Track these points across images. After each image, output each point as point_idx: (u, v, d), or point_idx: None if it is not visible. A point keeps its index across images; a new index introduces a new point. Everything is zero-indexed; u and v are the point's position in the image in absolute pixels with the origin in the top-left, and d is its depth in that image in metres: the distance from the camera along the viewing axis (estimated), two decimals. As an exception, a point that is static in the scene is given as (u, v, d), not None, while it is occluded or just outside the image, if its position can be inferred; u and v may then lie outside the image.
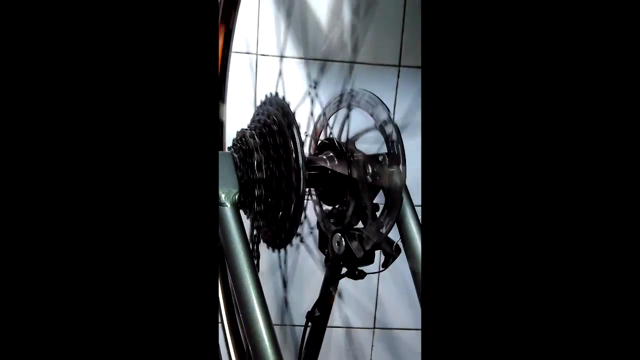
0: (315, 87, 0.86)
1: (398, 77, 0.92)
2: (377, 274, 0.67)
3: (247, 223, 0.62)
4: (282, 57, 0.89)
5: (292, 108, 0.63)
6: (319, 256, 0.71)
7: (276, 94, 0.66)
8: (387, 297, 1.01)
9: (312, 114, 0.74)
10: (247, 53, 0.89)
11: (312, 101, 0.88)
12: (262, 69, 0.90)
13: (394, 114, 0.91)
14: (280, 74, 0.90)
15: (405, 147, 0.64)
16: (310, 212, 0.71)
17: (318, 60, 0.90)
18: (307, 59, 0.90)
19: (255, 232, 0.64)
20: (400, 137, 0.64)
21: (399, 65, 0.92)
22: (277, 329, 0.55)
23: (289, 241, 0.65)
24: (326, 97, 0.89)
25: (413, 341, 1.02)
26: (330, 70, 0.90)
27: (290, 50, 0.89)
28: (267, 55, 0.89)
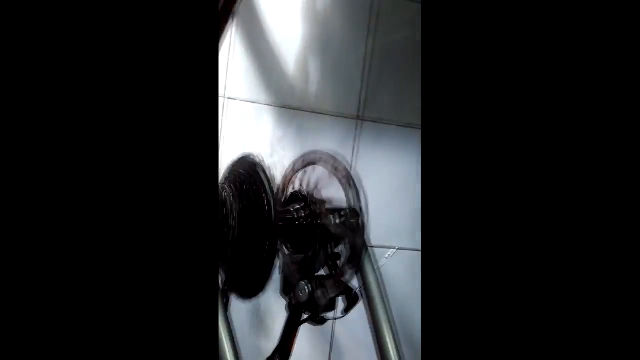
0: (281, 140, 0.91)
1: (356, 129, 0.99)
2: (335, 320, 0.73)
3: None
4: (249, 102, 0.93)
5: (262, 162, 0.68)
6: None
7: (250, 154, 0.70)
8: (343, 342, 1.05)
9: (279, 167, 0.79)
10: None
11: (277, 154, 0.93)
12: (229, 114, 0.93)
13: (351, 165, 0.98)
14: (249, 120, 0.94)
15: (367, 200, 0.70)
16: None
17: (286, 107, 0.95)
18: (274, 105, 0.95)
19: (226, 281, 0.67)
20: (358, 193, 0.71)
21: (358, 118, 0.99)
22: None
23: (260, 290, 0.68)
24: (293, 149, 0.94)
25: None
26: (296, 122, 0.96)
27: (257, 96, 0.94)
28: (235, 99, 0.93)
